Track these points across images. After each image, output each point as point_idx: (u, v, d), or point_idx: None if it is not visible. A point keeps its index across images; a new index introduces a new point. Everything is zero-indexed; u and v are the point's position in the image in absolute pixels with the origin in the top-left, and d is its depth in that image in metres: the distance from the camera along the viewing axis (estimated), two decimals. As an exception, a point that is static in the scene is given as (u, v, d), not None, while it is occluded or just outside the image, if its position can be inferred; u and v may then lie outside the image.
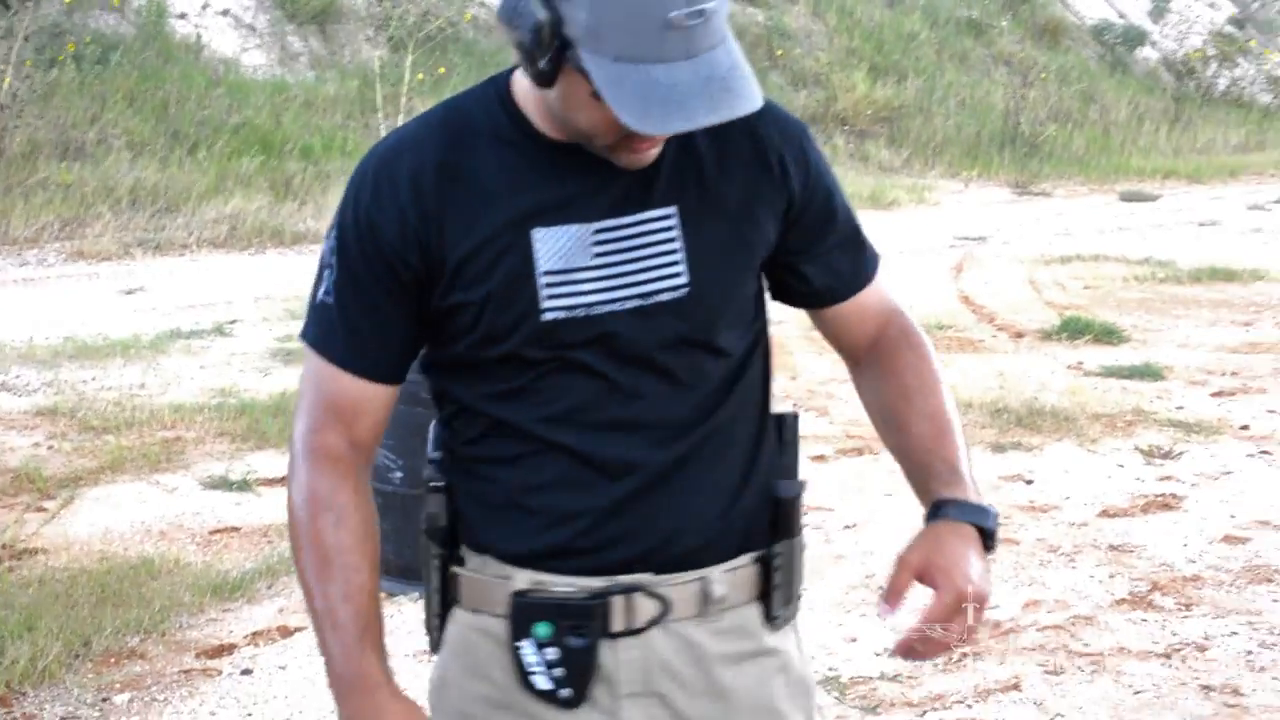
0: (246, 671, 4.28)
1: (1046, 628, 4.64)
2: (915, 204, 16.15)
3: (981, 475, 5.80)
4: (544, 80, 1.66)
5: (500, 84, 1.82)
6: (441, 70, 16.13)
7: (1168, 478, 6.19)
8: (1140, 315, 9.80)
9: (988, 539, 1.80)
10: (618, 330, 1.75)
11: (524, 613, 1.77)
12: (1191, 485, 6.09)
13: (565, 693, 1.77)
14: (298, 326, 8.44)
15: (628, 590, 1.77)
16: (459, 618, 1.85)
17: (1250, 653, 4.47)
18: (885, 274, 1.99)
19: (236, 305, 9.61)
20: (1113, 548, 5.37)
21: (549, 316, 1.74)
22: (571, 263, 1.74)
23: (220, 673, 4.27)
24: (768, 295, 1.93)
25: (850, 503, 5.77)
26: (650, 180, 1.76)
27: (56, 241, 11.60)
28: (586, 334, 1.75)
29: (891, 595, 1.78)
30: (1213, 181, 18.91)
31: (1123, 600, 4.87)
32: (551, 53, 1.61)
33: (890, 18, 21.85)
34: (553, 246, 1.74)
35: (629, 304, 1.75)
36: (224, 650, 4.41)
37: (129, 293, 10.06)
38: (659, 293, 1.76)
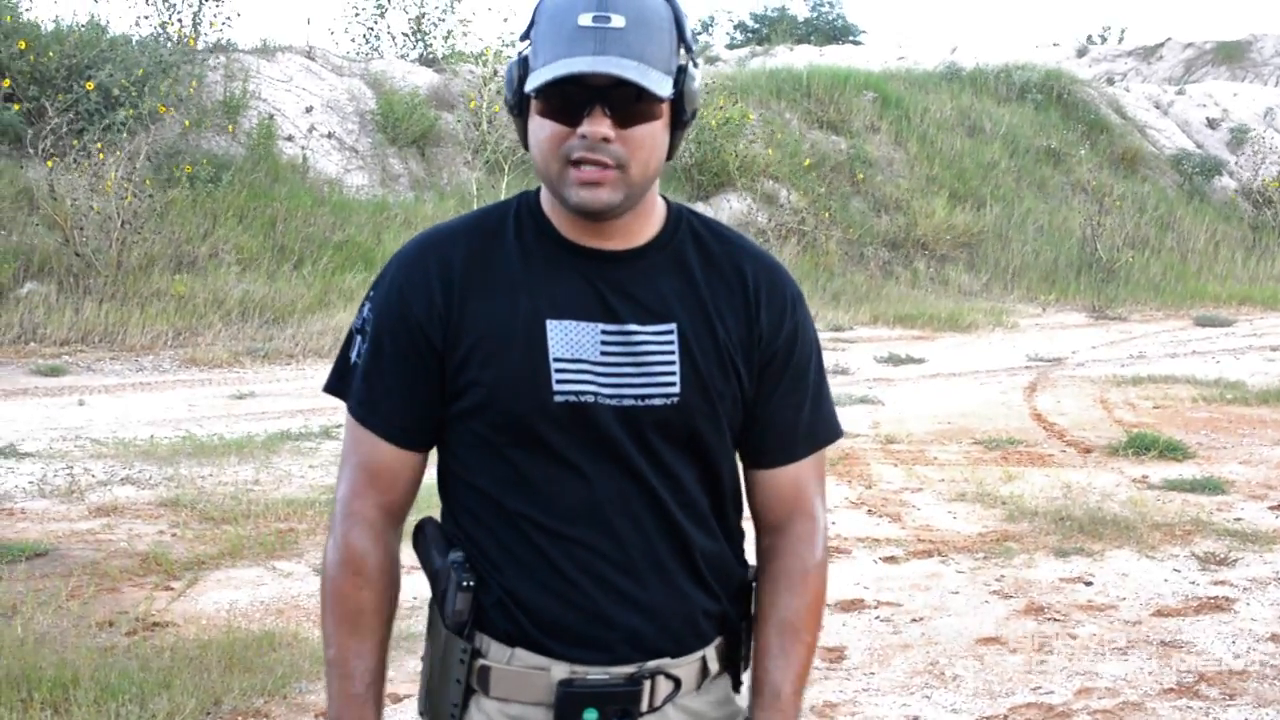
0: (361, 730, 4.72)
1: (1097, 712, 4.99)
2: (993, 326, 16.54)
3: (1044, 576, 6.12)
4: (515, 114, 1.95)
5: (530, 195, 2.05)
6: (534, 192, 16.79)
7: (1221, 582, 6.52)
8: (1206, 434, 10.09)
9: None
10: (609, 423, 1.95)
11: (572, 701, 1.95)
12: (1244, 589, 6.42)
13: None
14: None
15: (654, 674, 1.98)
16: (485, 706, 2.00)
17: (1287, 737, 4.81)
18: (817, 475, 2.13)
19: (341, 412, 10.10)
20: (1164, 644, 5.71)
21: (560, 399, 1.94)
22: (581, 354, 1.95)
23: (338, 731, 4.70)
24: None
25: (918, 600, 6.13)
26: (657, 297, 1.98)
27: (170, 349, 12.30)
28: (585, 421, 1.95)
29: None
30: (1288, 308, 19.18)
31: (1170, 690, 5.21)
32: (517, 86, 1.93)
33: (970, 146, 22.37)
34: (565, 337, 1.95)
35: (625, 402, 1.95)
36: (341, 712, 4.85)
37: (240, 397, 10.67)
38: (652, 398, 1.96)
